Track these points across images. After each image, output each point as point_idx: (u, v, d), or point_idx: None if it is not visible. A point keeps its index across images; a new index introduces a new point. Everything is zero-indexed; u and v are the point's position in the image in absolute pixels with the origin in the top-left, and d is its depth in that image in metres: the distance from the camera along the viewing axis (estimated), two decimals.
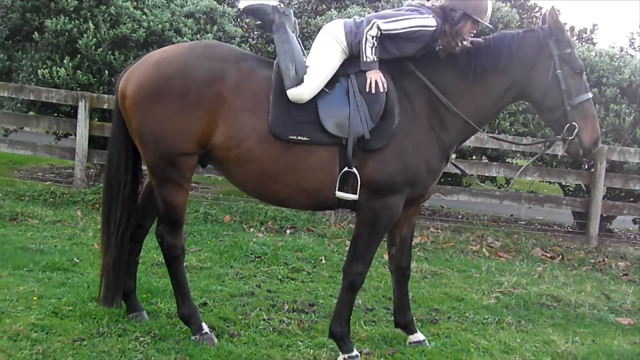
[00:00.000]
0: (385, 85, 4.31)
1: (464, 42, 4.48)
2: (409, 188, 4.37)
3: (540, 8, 18.52)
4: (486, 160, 10.26)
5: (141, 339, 4.48)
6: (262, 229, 8.31)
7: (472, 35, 4.51)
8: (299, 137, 4.26)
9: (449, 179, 10.16)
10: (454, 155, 4.79)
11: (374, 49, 4.31)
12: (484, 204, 10.25)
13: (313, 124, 4.27)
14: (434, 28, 4.34)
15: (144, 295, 5.24)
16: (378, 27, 4.27)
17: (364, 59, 4.32)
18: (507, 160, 10.72)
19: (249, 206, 8.92)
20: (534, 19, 17.03)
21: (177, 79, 4.28)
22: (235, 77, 4.32)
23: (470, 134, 4.69)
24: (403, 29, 4.30)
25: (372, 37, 4.28)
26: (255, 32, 11.97)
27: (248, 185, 4.55)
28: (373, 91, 4.27)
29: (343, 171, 4.24)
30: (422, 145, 4.37)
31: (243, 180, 4.50)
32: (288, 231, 8.31)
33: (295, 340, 4.75)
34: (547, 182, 10.69)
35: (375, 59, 4.33)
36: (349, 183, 4.26)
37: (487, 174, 9.61)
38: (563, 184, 10.76)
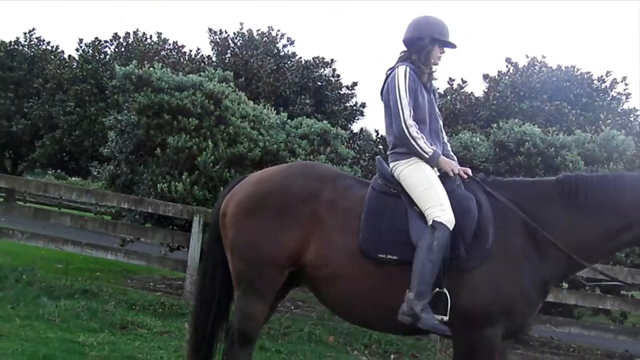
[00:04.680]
0: (461, 170, 4.35)
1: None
2: (506, 319, 4.14)
3: None
4: (599, 292, 9.85)
5: None
6: (365, 352, 8.17)
7: (440, 59, 4.59)
8: (388, 256, 4.21)
9: (560, 309, 9.79)
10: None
11: (424, 141, 4.37)
12: (597, 337, 9.78)
13: (403, 243, 4.21)
14: (405, 66, 4.46)
15: None
16: (406, 121, 4.36)
17: (426, 156, 4.36)
18: (622, 292, 10.28)
19: (354, 328, 8.81)
20: None
21: (274, 195, 4.41)
22: (331, 195, 4.40)
23: (576, 269, 4.49)
24: (403, 95, 4.38)
25: (416, 131, 4.37)
26: (367, 154, 12.22)
27: (337, 304, 4.53)
28: (455, 173, 4.32)
29: (435, 292, 4.09)
30: (517, 272, 4.15)
31: (332, 299, 4.49)
32: (392, 356, 8.13)
33: None
34: None
35: (433, 149, 4.38)
36: (440, 305, 4.09)
37: (600, 307, 9.21)
38: None
